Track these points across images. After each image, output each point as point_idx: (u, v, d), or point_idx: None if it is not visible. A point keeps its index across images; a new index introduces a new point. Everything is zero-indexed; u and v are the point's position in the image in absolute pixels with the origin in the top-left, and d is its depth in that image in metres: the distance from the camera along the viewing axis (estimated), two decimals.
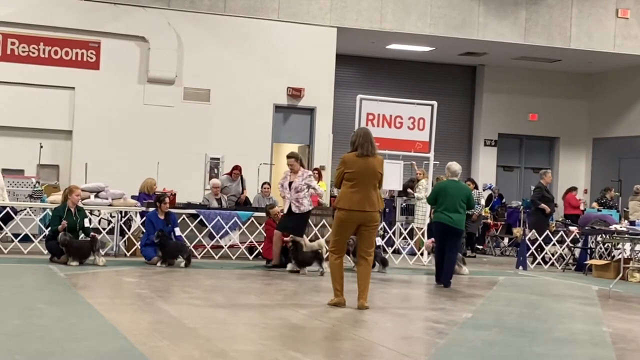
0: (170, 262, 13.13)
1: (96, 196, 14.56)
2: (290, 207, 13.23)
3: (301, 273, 12.87)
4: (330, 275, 9.52)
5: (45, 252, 13.31)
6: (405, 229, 16.85)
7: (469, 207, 12.66)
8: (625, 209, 19.94)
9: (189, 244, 14.46)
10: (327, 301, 9.52)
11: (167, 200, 13.75)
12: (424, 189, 17.35)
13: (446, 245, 12.35)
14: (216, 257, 14.53)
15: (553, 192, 19.53)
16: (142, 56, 18.60)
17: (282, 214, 13.75)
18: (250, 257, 14.71)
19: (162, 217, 13.63)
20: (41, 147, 17.55)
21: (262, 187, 16.44)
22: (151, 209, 14.05)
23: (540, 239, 16.28)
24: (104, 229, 14.67)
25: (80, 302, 8.99)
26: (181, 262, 13.16)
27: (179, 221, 14.40)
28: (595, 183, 24.30)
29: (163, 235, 13.12)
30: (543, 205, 16.94)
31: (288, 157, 13.57)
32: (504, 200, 21.17)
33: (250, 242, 14.83)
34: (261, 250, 14.42)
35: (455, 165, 12.86)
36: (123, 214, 14.59)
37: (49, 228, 13.37)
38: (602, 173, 23.62)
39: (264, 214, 15.26)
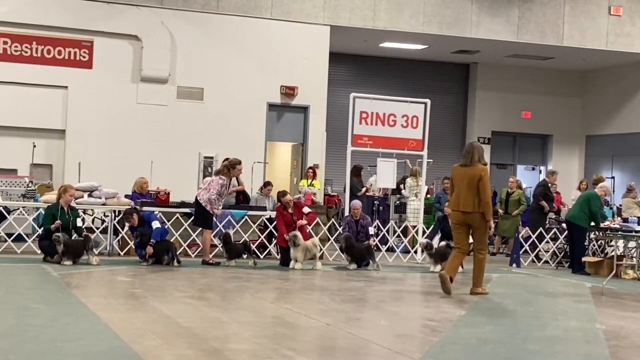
0: (157, 260, 13.13)
1: (90, 195, 14.55)
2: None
3: (229, 264, 13.60)
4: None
5: (39, 251, 13.28)
6: (399, 227, 16.87)
7: (590, 209, 14.65)
8: (618, 206, 19.99)
9: (182, 242, 14.50)
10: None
11: (129, 218, 13.60)
12: (409, 187, 17.39)
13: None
14: (210, 256, 14.49)
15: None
16: (135, 55, 18.57)
17: (293, 200, 14.54)
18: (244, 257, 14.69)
19: (134, 224, 13.53)
20: (34, 146, 17.52)
21: (264, 187, 16.31)
22: (145, 208, 14.07)
23: (533, 237, 16.31)
24: (97, 228, 14.65)
25: (74, 301, 8.98)
26: (173, 261, 13.18)
27: (172, 220, 14.43)
28: (588, 180, 24.32)
29: (143, 234, 13.14)
30: (543, 203, 16.98)
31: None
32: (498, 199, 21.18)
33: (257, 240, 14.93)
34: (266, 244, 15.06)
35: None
36: (116, 213, 14.57)
37: (42, 227, 13.34)
38: (595, 170, 23.65)
39: (257, 213, 15.29)
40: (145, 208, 14.11)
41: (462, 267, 14.25)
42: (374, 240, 14.69)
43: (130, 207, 14.07)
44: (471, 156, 10.88)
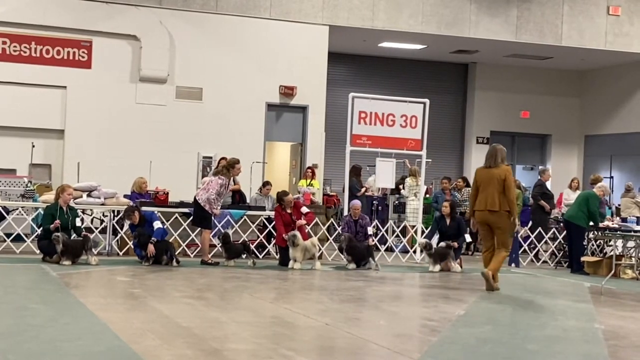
0: (156, 260, 13.14)
1: (88, 195, 14.54)
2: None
3: (228, 264, 13.56)
4: None
5: (38, 251, 13.27)
6: (398, 227, 16.86)
7: (589, 209, 14.71)
8: (617, 205, 20.00)
9: (181, 242, 14.50)
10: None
11: (130, 215, 13.63)
12: (408, 187, 17.40)
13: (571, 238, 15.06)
14: (209, 256, 14.48)
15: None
16: (134, 55, 18.57)
17: (294, 200, 14.51)
18: (243, 256, 14.70)
19: (135, 222, 13.56)
20: (33, 146, 17.51)
21: (264, 187, 16.33)
22: (144, 208, 14.06)
23: (532, 236, 16.31)
24: (96, 228, 14.65)
25: (73, 301, 8.98)
26: (172, 261, 13.18)
27: (171, 220, 14.43)
28: (587, 180, 24.35)
29: (142, 235, 13.13)
30: (543, 203, 17.00)
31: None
32: None
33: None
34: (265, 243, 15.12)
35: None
36: (115, 213, 14.56)
37: (41, 227, 13.33)
38: (594, 170, 23.65)
39: (256, 213, 15.29)
40: (144, 208, 14.10)
41: (462, 267, 14.30)
42: (373, 240, 14.70)
43: (132, 204, 14.08)
44: (495, 158, 11.44)
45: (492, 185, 11.27)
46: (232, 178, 15.38)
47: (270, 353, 6.56)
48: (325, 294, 10.75)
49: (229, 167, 13.94)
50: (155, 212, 13.96)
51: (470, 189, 18.73)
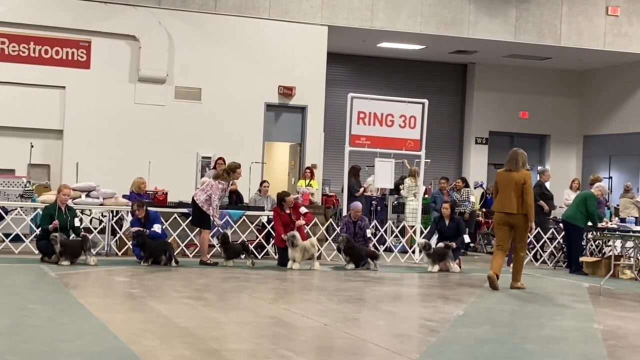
0: (155, 260, 13.14)
1: (87, 195, 14.54)
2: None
3: (227, 264, 13.56)
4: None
5: (36, 252, 13.27)
6: (397, 227, 16.86)
7: (587, 209, 14.71)
8: (616, 206, 20.00)
9: (179, 242, 14.50)
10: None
11: (139, 208, 13.64)
12: (407, 187, 17.39)
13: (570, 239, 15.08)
14: (208, 256, 14.48)
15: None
16: (133, 55, 18.56)
17: (296, 201, 14.50)
18: (242, 257, 14.70)
19: (140, 216, 13.59)
20: (32, 146, 17.49)
21: (261, 185, 16.34)
22: None
23: (531, 237, 16.31)
24: (95, 228, 14.64)
25: (72, 302, 8.98)
26: (170, 261, 13.18)
27: (170, 220, 14.42)
28: (586, 180, 24.35)
29: (141, 235, 13.15)
30: (541, 203, 17.00)
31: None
32: None
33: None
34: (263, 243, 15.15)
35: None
36: (114, 214, 14.56)
37: (40, 228, 13.33)
38: (592, 170, 23.65)
39: (255, 213, 15.28)
40: None
41: (460, 267, 14.30)
42: (372, 240, 14.70)
43: (142, 201, 14.10)
44: (515, 162, 11.85)
45: (511, 188, 11.66)
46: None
47: (268, 353, 6.56)
48: (324, 295, 10.75)
49: (230, 171, 13.90)
50: (160, 216, 13.96)
51: (469, 189, 18.86)
